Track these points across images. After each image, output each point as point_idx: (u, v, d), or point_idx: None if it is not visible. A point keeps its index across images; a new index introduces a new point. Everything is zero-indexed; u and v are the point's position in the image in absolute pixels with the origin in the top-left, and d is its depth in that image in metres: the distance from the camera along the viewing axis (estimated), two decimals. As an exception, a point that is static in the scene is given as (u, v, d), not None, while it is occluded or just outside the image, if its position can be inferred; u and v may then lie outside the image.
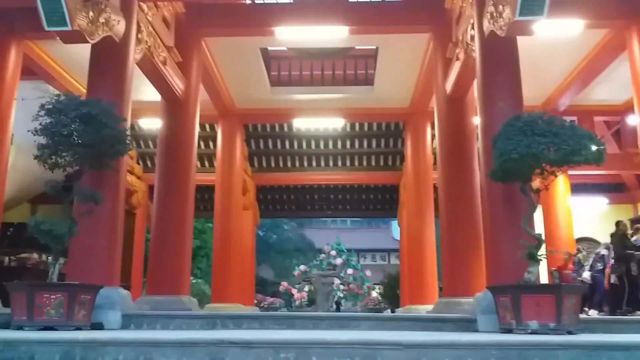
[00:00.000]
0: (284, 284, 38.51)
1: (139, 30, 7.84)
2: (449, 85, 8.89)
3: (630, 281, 9.89)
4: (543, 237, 5.66)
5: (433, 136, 14.37)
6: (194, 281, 20.14)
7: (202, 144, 16.18)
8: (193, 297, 17.13)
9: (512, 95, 6.14)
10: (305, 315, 5.97)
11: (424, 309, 12.33)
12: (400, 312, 13.59)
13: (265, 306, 21.89)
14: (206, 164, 16.24)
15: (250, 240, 16.34)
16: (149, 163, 16.08)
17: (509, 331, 5.29)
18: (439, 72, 9.34)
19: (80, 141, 5.67)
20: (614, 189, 16.12)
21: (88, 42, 6.68)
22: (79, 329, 5.39)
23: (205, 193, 16.95)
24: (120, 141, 5.92)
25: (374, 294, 41.52)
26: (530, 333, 5.09)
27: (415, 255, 13.08)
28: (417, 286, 12.88)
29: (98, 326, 5.77)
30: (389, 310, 18.74)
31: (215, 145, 14.36)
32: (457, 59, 8.16)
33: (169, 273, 8.69)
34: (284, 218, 45.95)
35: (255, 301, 19.50)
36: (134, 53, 7.62)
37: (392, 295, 17.87)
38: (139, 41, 7.87)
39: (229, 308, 12.47)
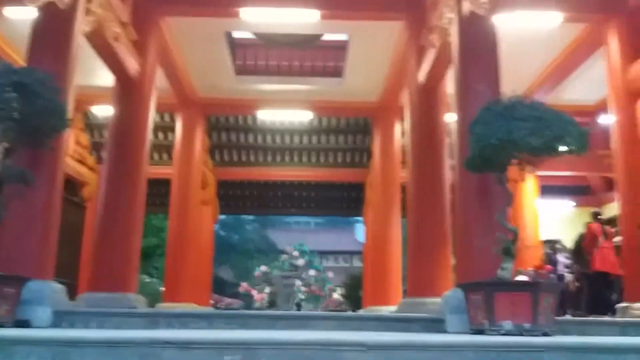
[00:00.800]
0: (244, 284, 37.79)
1: (88, 0, 7.16)
2: (422, 75, 8.49)
3: (590, 283, 9.79)
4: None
5: (402, 133, 14.07)
6: (149, 280, 19.33)
7: (160, 134, 15.44)
8: (145, 297, 16.35)
9: (491, 81, 5.74)
10: (260, 314, 5.43)
11: (387, 310, 11.91)
12: (362, 312, 13.13)
13: (222, 307, 21.18)
14: (164, 156, 15.47)
15: (209, 237, 15.65)
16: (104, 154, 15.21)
17: (481, 332, 4.86)
18: (412, 61, 8.92)
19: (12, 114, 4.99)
20: (580, 192, 16.09)
21: (28, 5, 6.01)
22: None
23: (162, 187, 16.09)
24: (56, 115, 5.25)
25: (336, 295, 41.29)
26: (504, 334, 4.68)
27: (380, 254, 12.66)
28: (380, 286, 12.46)
29: (24, 324, 5.08)
30: (350, 312, 18.34)
31: (174, 137, 13.61)
32: (432, 46, 7.75)
33: (114, 269, 7.98)
34: (245, 215, 45.13)
35: (212, 302, 18.77)
36: (82, 24, 6.94)
37: (354, 297, 17.44)
38: (88, 12, 7.16)
39: (181, 308, 11.77)
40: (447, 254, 8.23)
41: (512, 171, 5.34)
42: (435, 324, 5.40)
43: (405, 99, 9.48)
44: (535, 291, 4.75)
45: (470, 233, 5.74)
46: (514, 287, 4.88)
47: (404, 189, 14.29)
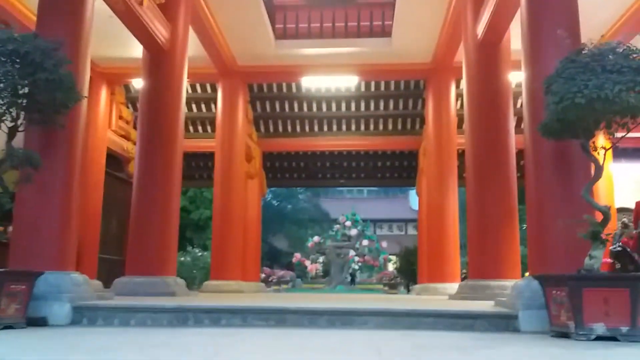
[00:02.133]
0: (297, 255, 37.67)
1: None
2: (480, 29, 7.42)
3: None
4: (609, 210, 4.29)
5: (458, 96, 12.92)
6: (201, 254, 19.16)
7: (203, 106, 14.93)
8: (197, 271, 16.02)
9: (570, 25, 4.66)
10: (300, 308, 4.71)
11: (444, 289, 11.10)
12: (417, 289, 12.35)
13: (274, 280, 20.83)
14: (208, 128, 14.96)
15: (256, 211, 15.14)
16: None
17: (565, 335, 3.99)
18: (468, 14, 7.85)
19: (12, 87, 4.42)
20: (657, 155, 14.51)
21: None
22: (9, 327, 4.22)
23: (208, 160, 15.68)
24: (62, 88, 4.62)
25: (390, 266, 40.65)
26: (595, 339, 3.79)
27: (436, 228, 11.76)
28: (436, 263, 11.60)
29: (39, 322, 4.60)
30: (403, 288, 17.55)
31: (216, 108, 13.02)
32: (493, -9, 6.68)
33: (152, 251, 7.52)
34: (293, 187, 44.81)
35: (263, 275, 18.45)
36: (98, -14, 6.29)
37: (409, 270, 16.67)
38: (104, -28, 6.53)
39: (228, 286, 11.35)
40: (514, 232, 7.30)
41: (598, 137, 4.33)
42: (506, 321, 4.55)
43: (462, 57, 8.43)
44: (635, 286, 3.82)
45: (545, 212, 4.79)
46: (607, 281, 3.95)
47: (460, 156, 13.31)
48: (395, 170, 17.18)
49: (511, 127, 7.63)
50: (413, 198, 53.82)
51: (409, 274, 16.64)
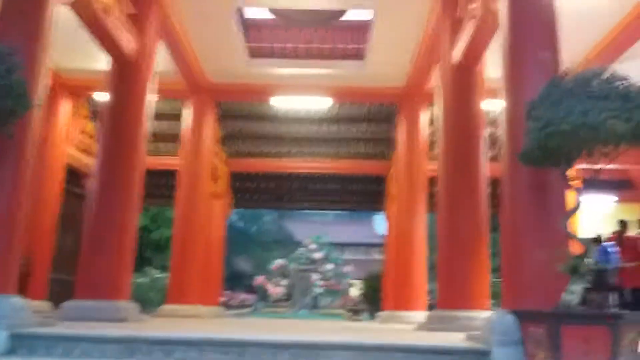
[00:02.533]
0: (259, 278, 36.93)
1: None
2: (457, 52, 7.32)
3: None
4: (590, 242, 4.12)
5: (430, 121, 12.89)
6: (158, 276, 18.47)
7: (168, 123, 14.47)
8: (156, 293, 15.26)
9: (553, 49, 4.55)
10: (262, 341, 4.36)
11: (410, 317, 10.84)
12: (382, 317, 12.06)
13: (234, 305, 20.28)
14: (171, 146, 14.49)
15: (220, 232, 14.68)
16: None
17: (542, 375, 3.76)
18: (445, 37, 7.76)
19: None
20: (622, 186, 14.71)
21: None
22: None
23: (171, 179, 15.17)
24: (12, 95, 4.25)
25: (354, 290, 40.25)
26: (574, 380, 3.58)
27: (403, 255, 11.54)
28: (403, 290, 11.35)
29: (-30, 351, 4.14)
30: (368, 314, 17.24)
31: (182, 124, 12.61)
32: (472, 16, 6.58)
33: (104, 273, 7.04)
34: (260, 209, 44.26)
35: (224, 299, 17.88)
36: (60, -9, 5.95)
37: (373, 296, 16.34)
38: (69, -23, 6.19)
39: (185, 311, 10.80)
40: (484, 261, 7.12)
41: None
42: (479, 357, 4.30)
43: (436, 81, 8.34)
44: (616, 324, 3.63)
45: (521, 242, 4.60)
46: (587, 318, 3.75)
47: (430, 182, 13.21)
48: (364, 195, 16.98)
49: (483, 154, 7.51)
50: (378, 223, 53.82)
51: (374, 300, 16.31)
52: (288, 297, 36.02)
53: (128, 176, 7.51)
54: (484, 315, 6.67)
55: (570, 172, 4.28)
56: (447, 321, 6.66)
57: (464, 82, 7.60)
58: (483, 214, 7.28)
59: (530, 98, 4.07)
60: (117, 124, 7.74)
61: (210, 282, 14.20)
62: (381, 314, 13.58)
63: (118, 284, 7.11)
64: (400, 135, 12.33)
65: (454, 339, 5.08)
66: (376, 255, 61.55)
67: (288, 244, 54.29)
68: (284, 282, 36.45)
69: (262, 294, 36.38)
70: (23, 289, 11.11)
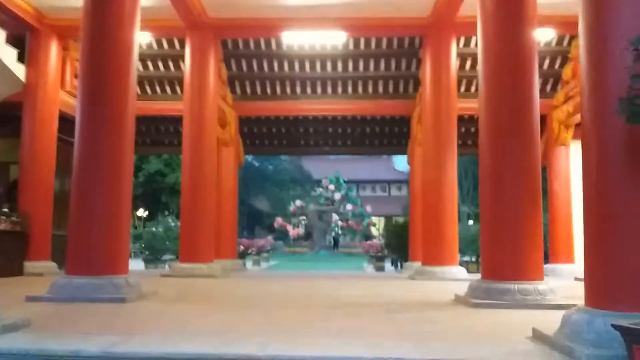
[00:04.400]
0: (279, 220, 36.58)
1: None
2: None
3: None
4: None
5: (460, 55, 11.58)
6: (174, 224, 17.78)
7: (171, 64, 13.31)
8: (172, 243, 14.43)
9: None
10: (273, 357, 3.38)
11: (443, 273, 10.04)
12: (412, 271, 11.21)
13: (253, 252, 19.64)
14: (178, 89, 13.36)
15: (232, 181, 13.75)
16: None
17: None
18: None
19: None
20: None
21: None
22: None
23: (178, 125, 14.18)
24: None
25: (374, 230, 39.89)
26: None
27: (432, 205, 10.52)
28: (433, 243, 10.42)
29: None
30: (392, 264, 16.48)
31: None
32: None
33: (96, 244, 6.12)
34: (273, 154, 43.39)
35: (241, 247, 17.20)
36: None
37: (398, 245, 15.48)
38: None
39: (199, 270, 10.10)
40: (537, 222, 6.04)
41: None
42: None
43: (467, 11, 7.01)
44: None
45: (618, 229, 3.43)
46: None
47: (461, 123, 12.05)
48: (385, 137, 15.81)
49: (536, 94, 6.29)
50: (397, 159, 52.81)
51: (398, 249, 15.48)
52: (307, 237, 35.85)
53: (116, 123, 6.41)
54: (540, 287, 5.72)
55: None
56: (495, 294, 5.70)
57: (511, 7, 6.28)
58: (535, 165, 6.14)
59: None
60: (98, 64, 6.57)
61: (225, 234, 13.48)
62: (409, 265, 12.78)
63: (114, 256, 6.20)
64: (426, 71, 11.01)
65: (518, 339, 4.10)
66: (394, 192, 61.30)
67: (305, 183, 54.12)
68: (303, 223, 36.23)
69: (282, 235, 36.31)
70: (24, 251, 10.55)
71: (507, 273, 5.85)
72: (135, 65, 6.86)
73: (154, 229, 18.43)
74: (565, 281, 9.95)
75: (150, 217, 34.92)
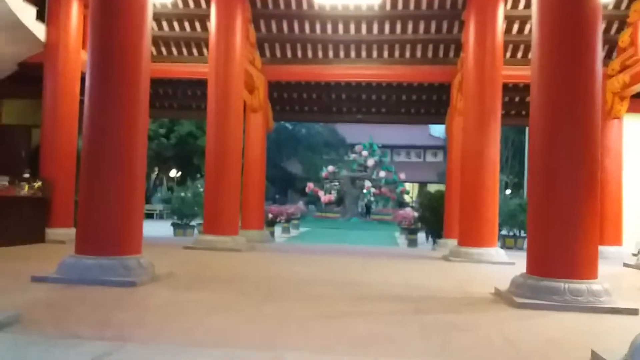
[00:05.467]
0: (310, 185, 36.17)
1: None
2: None
3: None
4: None
5: (506, 18, 10.62)
6: (202, 189, 17.46)
7: (197, 24, 12.68)
8: (200, 208, 14.14)
9: None
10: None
11: (480, 255, 9.39)
12: (447, 251, 10.56)
13: (281, 221, 19.26)
14: (204, 52, 12.77)
15: (260, 149, 13.21)
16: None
17: None
18: None
19: None
20: None
21: None
22: None
23: (205, 88, 13.67)
24: None
25: (407, 198, 39.09)
26: None
27: (472, 180, 9.78)
28: (471, 222, 9.71)
29: None
30: (426, 240, 15.82)
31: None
32: None
33: (106, 221, 5.69)
34: (303, 122, 42.58)
35: (270, 216, 16.81)
36: None
37: (432, 219, 14.79)
38: None
39: (222, 243, 9.75)
40: (593, 213, 5.31)
41: None
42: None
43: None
44: None
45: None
46: None
47: (506, 91, 11.18)
48: (422, 105, 14.95)
49: (599, 64, 5.46)
50: (434, 125, 51.49)
51: (433, 223, 14.80)
52: (339, 203, 35.41)
53: (129, 87, 5.88)
54: (594, 287, 5.04)
55: None
56: (543, 292, 5.05)
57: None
58: (594, 147, 5.38)
59: None
60: (108, 21, 6.01)
61: (252, 204, 13.06)
62: (445, 243, 12.13)
63: (125, 235, 5.77)
64: (470, 35, 10.09)
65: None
66: (429, 158, 60.18)
67: (338, 147, 53.45)
68: (335, 189, 35.74)
69: (314, 200, 36.00)
70: (46, 218, 10.34)
71: (556, 269, 5.18)
72: (150, 24, 6.28)
73: (182, 194, 18.17)
74: (613, 266, 9.20)
75: (183, 179, 35.02)
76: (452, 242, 11.69)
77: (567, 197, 5.26)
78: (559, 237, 5.25)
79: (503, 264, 9.14)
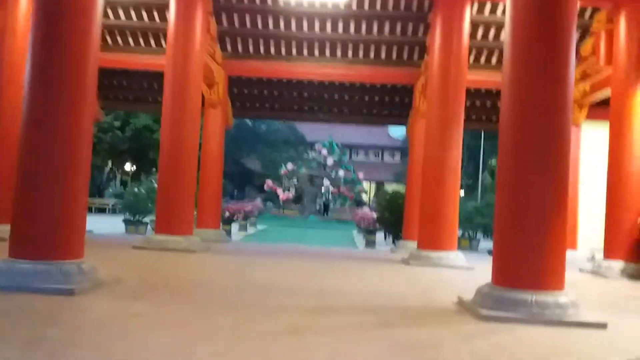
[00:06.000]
0: (269, 182, 35.75)
1: None
2: None
3: None
4: None
5: (472, 23, 10.55)
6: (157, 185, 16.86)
7: (155, 14, 12.14)
8: (154, 205, 13.59)
9: None
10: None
11: (440, 258, 9.30)
12: (408, 254, 10.41)
13: (238, 219, 18.81)
14: (163, 43, 12.23)
15: (217, 145, 12.77)
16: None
17: None
18: None
19: None
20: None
21: None
22: None
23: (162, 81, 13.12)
24: None
25: (365, 197, 39.13)
26: None
27: (433, 185, 9.67)
28: (431, 226, 9.62)
29: None
30: (384, 239, 15.74)
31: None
32: None
33: (43, 220, 5.19)
34: (264, 119, 42.07)
35: (227, 213, 16.37)
36: None
37: (391, 220, 14.68)
38: None
39: (175, 243, 9.31)
40: (563, 224, 5.20)
41: None
42: None
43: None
44: None
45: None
46: None
47: (470, 95, 11.14)
48: (384, 107, 14.80)
49: (571, 72, 5.33)
50: (392, 126, 51.82)
51: (391, 224, 14.69)
52: (297, 200, 35.11)
53: (74, 76, 5.40)
54: (561, 299, 4.91)
55: None
56: (507, 305, 4.88)
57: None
58: (566, 150, 5.27)
59: None
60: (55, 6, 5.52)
61: (208, 202, 12.62)
62: (404, 245, 12.03)
63: (65, 238, 5.28)
64: (436, 38, 9.96)
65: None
66: (387, 159, 60.64)
67: (298, 145, 53.15)
68: (294, 186, 35.45)
69: (272, 196, 35.60)
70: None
71: (523, 279, 5.02)
72: (100, 8, 5.80)
73: (135, 189, 17.51)
74: (570, 272, 9.18)
75: (138, 173, 34.01)
76: (411, 244, 11.60)
77: (536, 204, 5.13)
78: (526, 245, 5.10)
79: (462, 269, 9.08)
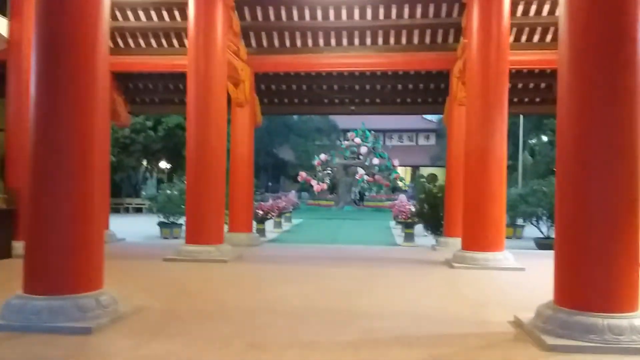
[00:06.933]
0: (302, 174, 35.32)
1: None
2: None
3: None
4: None
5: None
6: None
7: (176, 14, 11.72)
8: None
9: None
10: None
11: (486, 260, 8.67)
12: (452, 255, 9.75)
13: (272, 217, 18.36)
14: (185, 43, 11.77)
15: (247, 146, 12.29)
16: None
17: None
18: None
19: None
20: None
21: None
22: None
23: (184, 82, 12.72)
24: None
25: (401, 184, 38.26)
26: None
27: (476, 179, 8.98)
28: (475, 225, 8.94)
29: None
30: (425, 234, 15.02)
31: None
32: None
33: (58, 250, 4.80)
34: (293, 114, 41.55)
35: (260, 212, 15.94)
36: None
37: (431, 216, 13.95)
38: None
39: (207, 253, 8.96)
40: (635, 235, 4.48)
41: None
42: None
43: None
44: None
45: None
46: None
47: (513, 77, 10.37)
48: (418, 95, 14.03)
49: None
50: (427, 110, 50.55)
51: (431, 219, 13.98)
52: (332, 190, 34.58)
53: (81, 84, 4.96)
54: (637, 322, 4.23)
55: None
56: (576, 331, 4.25)
57: None
58: (637, 146, 4.53)
59: None
60: (59, 8, 5.08)
61: (239, 205, 12.21)
62: (446, 242, 11.42)
63: (81, 268, 4.88)
64: (473, 18, 9.19)
65: None
66: (422, 141, 59.39)
67: (330, 133, 52.50)
68: (328, 176, 34.91)
69: (307, 188, 35.16)
70: (11, 231, 9.36)
71: (592, 301, 4.36)
72: (107, 14, 5.34)
73: (168, 191, 17.29)
74: None
75: (173, 170, 34.10)
76: (453, 242, 11.00)
77: (603, 211, 4.43)
78: (595, 262, 4.43)
79: (513, 270, 8.42)
